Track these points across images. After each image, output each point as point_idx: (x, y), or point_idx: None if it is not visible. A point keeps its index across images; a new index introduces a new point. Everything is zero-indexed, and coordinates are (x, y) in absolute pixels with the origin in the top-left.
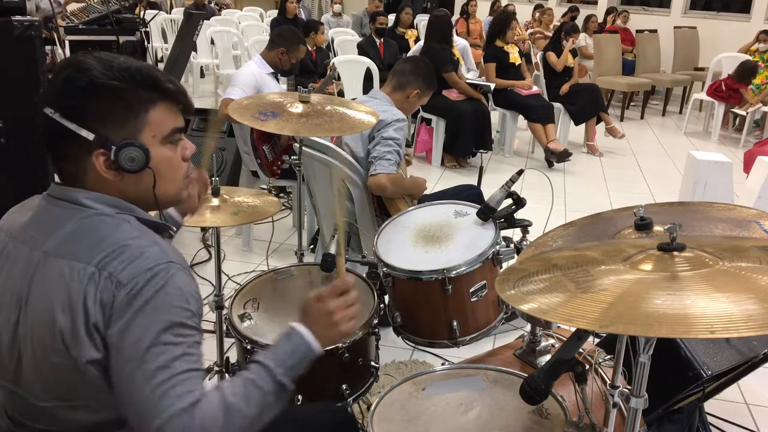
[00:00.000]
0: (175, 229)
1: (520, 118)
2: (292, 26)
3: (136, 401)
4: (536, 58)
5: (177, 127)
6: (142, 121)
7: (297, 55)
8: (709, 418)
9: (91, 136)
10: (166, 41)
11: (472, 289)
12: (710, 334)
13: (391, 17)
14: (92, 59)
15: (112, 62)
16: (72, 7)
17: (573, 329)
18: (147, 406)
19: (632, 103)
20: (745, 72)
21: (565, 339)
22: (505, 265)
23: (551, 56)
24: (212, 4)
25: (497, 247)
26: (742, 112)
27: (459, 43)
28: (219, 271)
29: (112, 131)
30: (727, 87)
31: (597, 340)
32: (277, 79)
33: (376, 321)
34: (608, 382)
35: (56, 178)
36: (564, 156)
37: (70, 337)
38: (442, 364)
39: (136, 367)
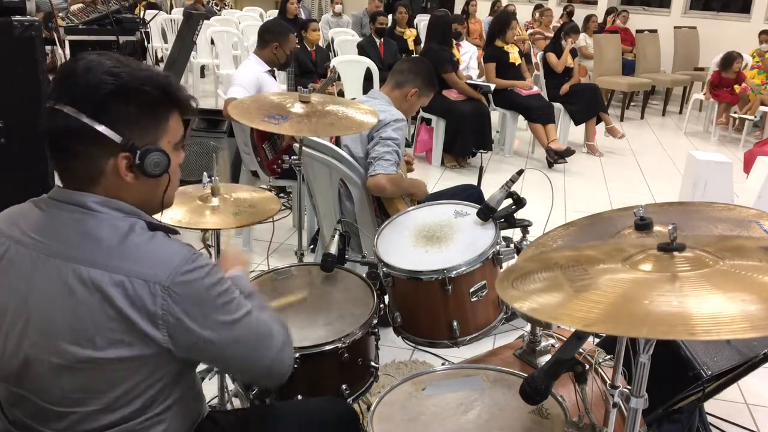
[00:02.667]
0: (177, 232)
1: (520, 118)
2: (276, 19)
3: (252, 345)
4: (536, 58)
5: (183, 134)
6: (163, 128)
7: (290, 46)
8: (709, 418)
9: (118, 139)
10: (166, 41)
11: (472, 289)
12: (707, 335)
13: (390, 18)
14: (116, 63)
15: (135, 68)
16: (72, 7)
17: (573, 329)
18: (262, 340)
19: (632, 103)
20: (727, 61)
21: (565, 339)
22: (505, 265)
23: (551, 57)
24: (210, 4)
25: (497, 247)
26: (751, 117)
27: (469, 49)
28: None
29: (137, 135)
30: (716, 81)
31: (597, 340)
32: (275, 76)
33: (376, 321)
34: (608, 382)
35: (56, 179)
36: (567, 153)
37: (100, 340)
38: (442, 364)
39: (234, 332)
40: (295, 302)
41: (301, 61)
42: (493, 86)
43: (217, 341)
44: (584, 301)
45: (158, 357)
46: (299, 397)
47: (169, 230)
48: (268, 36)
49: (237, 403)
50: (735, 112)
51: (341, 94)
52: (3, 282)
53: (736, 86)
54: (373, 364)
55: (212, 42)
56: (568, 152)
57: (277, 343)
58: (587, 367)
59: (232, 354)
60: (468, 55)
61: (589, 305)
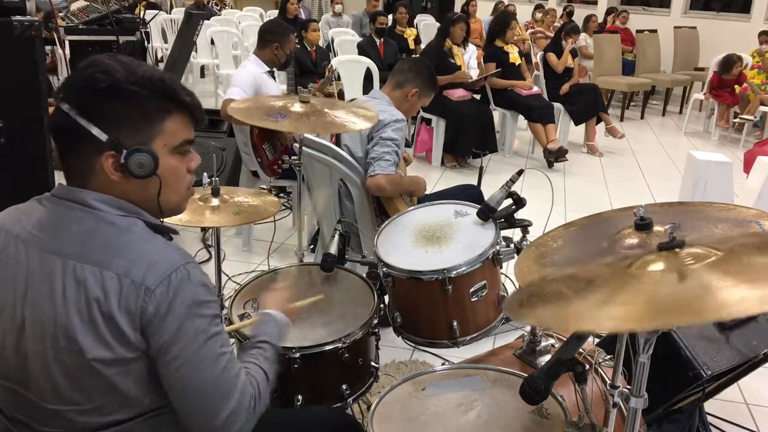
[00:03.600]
0: (177, 232)
1: (520, 118)
2: (276, 19)
3: (206, 390)
4: (536, 58)
5: (188, 139)
6: (156, 130)
7: (290, 46)
8: (709, 418)
9: (104, 137)
10: (166, 41)
11: (472, 289)
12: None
13: (391, 17)
14: (116, 62)
15: (135, 69)
16: (72, 6)
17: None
18: (221, 390)
19: (632, 103)
20: (727, 65)
21: (565, 339)
22: (505, 266)
23: (551, 57)
24: (210, 4)
25: (497, 247)
26: (751, 118)
27: (468, 49)
28: (219, 271)
29: (126, 135)
30: (715, 83)
31: (597, 340)
32: (274, 78)
33: (376, 321)
34: (608, 382)
35: (56, 178)
36: (560, 153)
37: (87, 339)
38: (442, 364)
39: (198, 363)
40: (314, 302)
41: (301, 61)
42: (493, 71)
43: (174, 360)
44: (614, 305)
45: (140, 363)
46: (299, 397)
47: (170, 231)
48: (268, 36)
49: None
50: (736, 116)
51: (341, 94)
52: (1, 277)
53: (736, 86)
54: (373, 364)
55: (212, 42)
56: (560, 152)
57: (234, 404)
58: (587, 367)
59: (185, 386)
60: (467, 56)
61: (623, 309)
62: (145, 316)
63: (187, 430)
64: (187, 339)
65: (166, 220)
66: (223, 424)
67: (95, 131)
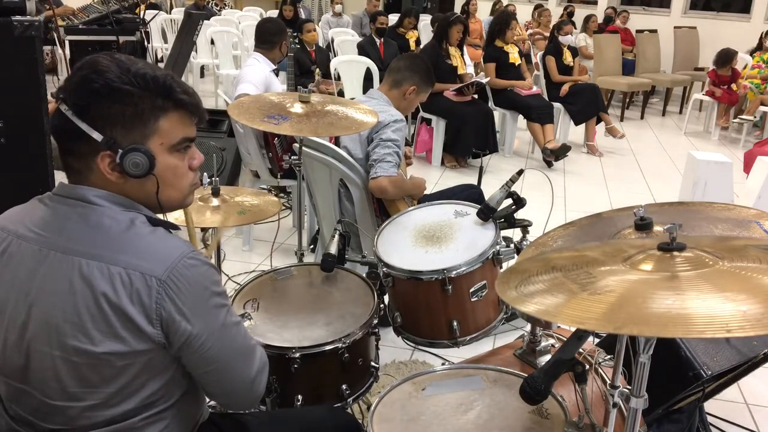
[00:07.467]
0: (178, 227)
1: (520, 118)
2: (272, 18)
3: (237, 357)
4: (536, 58)
5: (187, 137)
6: (152, 128)
7: (288, 39)
8: (709, 418)
9: (99, 137)
10: (166, 41)
11: (472, 289)
12: (702, 334)
13: (393, 17)
14: (111, 62)
15: (129, 67)
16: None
17: (573, 329)
18: (246, 351)
19: (632, 103)
20: (724, 58)
21: (565, 339)
22: (505, 265)
23: (550, 62)
24: (210, 5)
25: (497, 247)
26: (750, 118)
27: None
28: (219, 271)
29: (121, 134)
30: (714, 80)
31: (597, 340)
32: (277, 75)
33: (376, 321)
34: (608, 382)
35: (57, 178)
36: (563, 151)
37: (97, 334)
38: (442, 364)
39: (224, 338)
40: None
41: (300, 61)
42: (486, 79)
43: (204, 343)
44: (588, 302)
45: (153, 354)
46: (299, 397)
47: (170, 226)
48: (276, 39)
49: None
50: (736, 116)
51: (341, 94)
52: (3, 277)
53: (734, 85)
54: (373, 364)
55: (212, 42)
56: (564, 149)
57: (259, 363)
58: (587, 367)
59: (217, 361)
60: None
61: (594, 306)
62: (163, 309)
63: (225, 403)
64: (210, 320)
65: (170, 214)
66: (256, 375)
67: (92, 132)
